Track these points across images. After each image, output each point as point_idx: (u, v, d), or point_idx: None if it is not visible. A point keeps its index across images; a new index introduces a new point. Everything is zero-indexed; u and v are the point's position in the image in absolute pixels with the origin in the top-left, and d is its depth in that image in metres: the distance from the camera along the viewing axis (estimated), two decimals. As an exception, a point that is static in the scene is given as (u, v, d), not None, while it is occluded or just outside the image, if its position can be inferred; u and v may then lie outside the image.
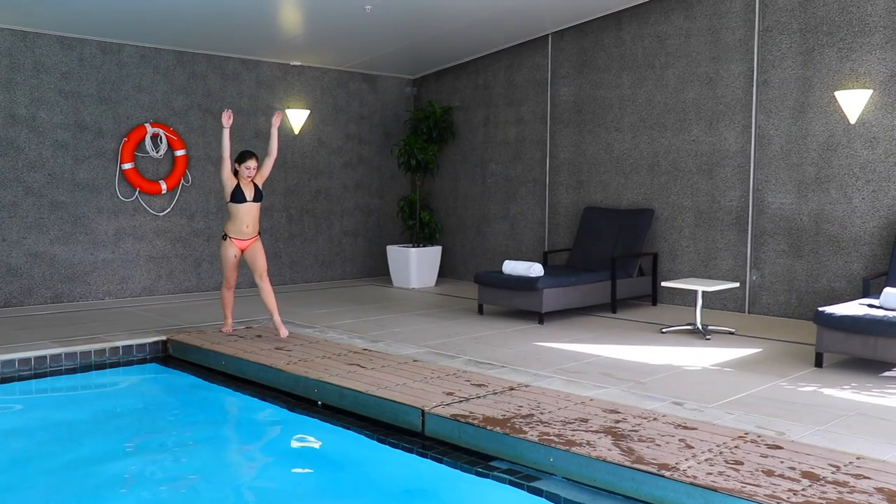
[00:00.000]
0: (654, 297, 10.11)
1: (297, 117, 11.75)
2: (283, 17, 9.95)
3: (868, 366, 6.83)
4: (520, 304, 9.00)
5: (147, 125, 10.36)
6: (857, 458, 4.31)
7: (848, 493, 3.83)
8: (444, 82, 12.76)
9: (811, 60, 8.86)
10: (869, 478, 4.02)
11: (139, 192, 10.39)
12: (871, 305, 7.02)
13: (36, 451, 5.42)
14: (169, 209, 10.69)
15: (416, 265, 11.77)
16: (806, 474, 4.06)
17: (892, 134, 8.34)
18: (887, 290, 6.98)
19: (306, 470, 5.40)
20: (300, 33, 10.56)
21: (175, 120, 10.69)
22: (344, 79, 12.39)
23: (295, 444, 5.74)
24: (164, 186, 10.51)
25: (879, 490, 3.86)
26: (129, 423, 6.16)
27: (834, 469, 4.14)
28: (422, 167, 11.98)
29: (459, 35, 10.99)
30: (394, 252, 12.00)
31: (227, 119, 7.74)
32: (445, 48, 11.70)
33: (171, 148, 10.59)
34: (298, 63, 11.79)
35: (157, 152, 10.48)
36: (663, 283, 8.65)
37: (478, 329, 8.52)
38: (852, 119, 8.50)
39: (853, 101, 8.40)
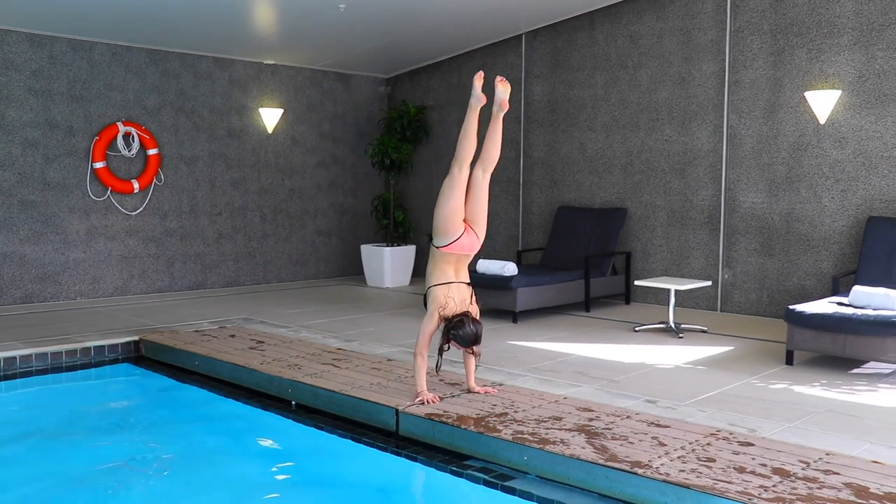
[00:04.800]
0: (627, 295, 10.17)
1: (271, 116, 11.69)
2: (257, 15, 9.90)
3: (837, 363, 6.92)
4: (494, 303, 9.01)
5: (119, 124, 10.27)
6: (827, 455, 4.37)
7: (818, 488, 3.88)
8: (418, 81, 12.75)
9: (781, 61, 8.95)
10: (838, 473, 4.07)
11: (111, 191, 10.29)
12: (840, 303, 7.11)
13: (6, 454, 5.36)
14: (141, 208, 10.60)
15: (390, 264, 11.75)
16: (777, 471, 4.11)
17: (861, 134, 8.45)
18: (856, 288, 7.08)
19: (280, 470, 5.38)
20: (273, 32, 10.51)
21: (147, 119, 10.60)
22: (317, 78, 12.35)
23: (269, 445, 5.72)
24: (136, 185, 10.43)
25: (848, 485, 3.91)
26: (101, 425, 6.11)
27: (804, 465, 4.19)
28: (396, 166, 11.97)
29: (433, 34, 10.99)
30: (368, 251, 11.98)
31: (478, 82, 5.50)
32: (419, 47, 11.69)
33: (143, 147, 10.51)
34: (272, 62, 11.74)
35: (129, 151, 10.39)
36: (636, 282, 8.70)
37: (452, 328, 8.51)
38: (822, 119, 8.60)
39: (822, 102, 8.50)
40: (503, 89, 5.47)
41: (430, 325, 5.35)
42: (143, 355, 7.52)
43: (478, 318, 5.38)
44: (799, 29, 8.82)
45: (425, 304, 5.48)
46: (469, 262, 5.53)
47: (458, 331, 5.26)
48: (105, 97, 10.22)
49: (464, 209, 5.40)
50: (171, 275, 10.95)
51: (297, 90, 12.13)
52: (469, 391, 5.60)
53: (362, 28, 10.44)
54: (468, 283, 5.48)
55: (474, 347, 5.37)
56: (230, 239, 11.51)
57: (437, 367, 5.50)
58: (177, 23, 9.70)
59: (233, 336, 7.64)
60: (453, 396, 5.49)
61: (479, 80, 5.47)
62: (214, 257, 11.36)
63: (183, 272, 11.05)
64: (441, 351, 5.37)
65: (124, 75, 10.38)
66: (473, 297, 5.47)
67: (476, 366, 5.68)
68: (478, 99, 5.41)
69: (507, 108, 5.50)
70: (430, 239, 5.50)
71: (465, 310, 5.34)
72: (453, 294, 5.35)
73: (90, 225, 10.19)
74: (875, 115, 8.35)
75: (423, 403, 5.25)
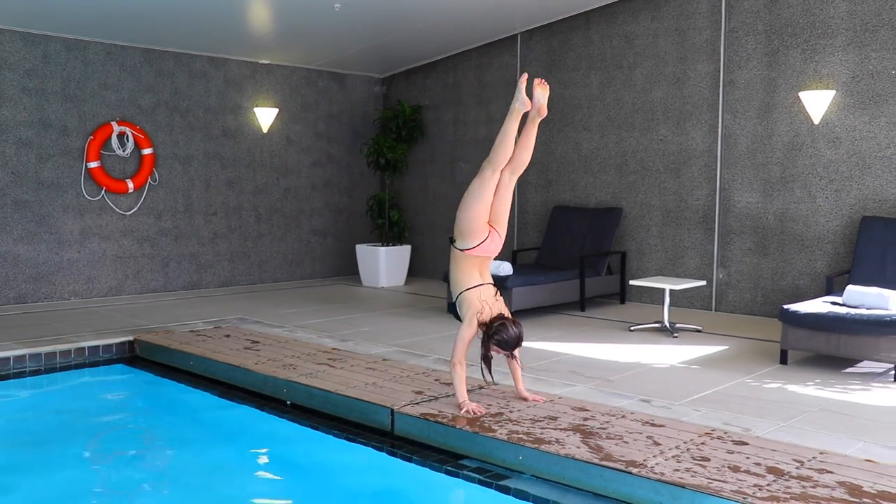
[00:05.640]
0: (622, 295, 10.18)
1: (266, 116, 11.69)
2: (252, 14, 9.89)
3: (831, 362, 6.94)
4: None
5: (113, 123, 10.25)
6: (821, 454, 4.38)
7: (811, 487, 3.89)
8: (414, 81, 12.75)
9: (776, 61, 8.97)
10: (832, 472, 4.08)
11: (105, 190, 10.27)
12: (834, 303, 7.14)
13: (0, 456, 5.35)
14: (136, 208, 10.58)
15: (385, 264, 11.75)
16: (771, 469, 4.12)
17: (854, 134, 8.47)
18: (850, 287, 7.11)
19: (275, 470, 5.38)
20: (268, 31, 10.50)
21: (142, 118, 10.58)
22: (313, 77, 12.35)
23: (264, 445, 5.71)
24: (130, 185, 10.41)
25: (841, 484, 3.93)
26: (95, 425, 6.10)
27: (798, 464, 4.20)
28: (391, 166, 11.97)
29: (429, 34, 10.99)
30: (363, 251, 11.98)
31: (523, 84, 5.19)
32: (415, 47, 11.69)
33: (137, 146, 10.49)
34: (267, 61, 11.73)
35: (123, 151, 10.37)
36: (631, 282, 8.71)
37: (447, 328, 8.53)
38: (816, 119, 8.62)
39: (817, 102, 8.52)
40: (542, 92, 5.18)
41: (469, 331, 5.11)
42: (138, 355, 7.51)
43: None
44: (793, 29, 8.83)
45: (452, 311, 5.29)
46: (490, 262, 5.37)
47: (501, 335, 5.04)
48: (99, 96, 10.21)
49: (489, 209, 5.20)
50: (166, 275, 10.93)
51: (292, 90, 12.13)
52: (520, 398, 5.40)
53: (357, 28, 10.43)
54: (493, 284, 5.32)
55: (515, 351, 5.16)
56: (225, 239, 11.50)
57: (488, 380, 5.33)
58: (171, 22, 9.69)
59: (228, 336, 7.64)
60: (448, 396, 5.49)
61: (524, 82, 5.14)
62: (209, 257, 11.35)
63: (178, 272, 11.04)
64: (487, 361, 5.14)
65: (119, 75, 10.36)
66: (499, 296, 5.29)
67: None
68: (522, 103, 5.12)
69: (545, 113, 5.19)
70: (452, 241, 5.27)
71: (500, 311, 5.17)
72: (486, 297, 5.18)
73: (84, 225, 10.17)
74: (869, 115, 8.37)
75: (468, 414, 5.01)
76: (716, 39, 9.41)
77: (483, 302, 5.15)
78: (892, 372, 6.47)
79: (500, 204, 5.25)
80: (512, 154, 5.24)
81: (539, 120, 5.26)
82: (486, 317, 5.12)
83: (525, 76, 5.18)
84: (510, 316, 5.20)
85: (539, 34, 11.07)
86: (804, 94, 8.59)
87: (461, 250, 5.20)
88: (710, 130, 9.50)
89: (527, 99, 5.14)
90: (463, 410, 5.08)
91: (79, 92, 10.04)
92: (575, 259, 9.85)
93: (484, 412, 5.08)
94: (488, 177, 5.17)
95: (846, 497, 3.78)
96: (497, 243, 5.25)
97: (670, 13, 9.76)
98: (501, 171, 5.24)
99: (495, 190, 5.23)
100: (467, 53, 11.95)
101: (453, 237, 5.26)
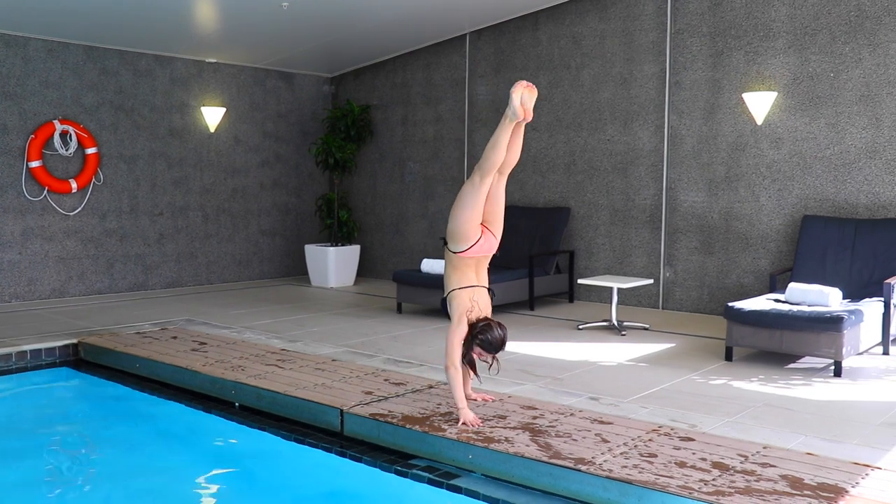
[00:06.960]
0: (570, 294, 10.27)
1: (213, 115, 11.55)
2: (198, 12, 9.76)
3: (775, 358, 7.07)
4: (438, 303, 9.02)
5: (55, 122, 10.04)
6: (764, 448, 4.47)
7: (755, 481, 3.96)
8: (363, 81, 12.71)
9: (720, 63, 9.13)
10: (774, 466, 4.17)
11: (48, 190, 10.06)
12: (777, 300, 7.29)
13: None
14: (80, 209, 10.38)
15: (334, 264, 11.70)
16: (716, 464, 4.19)
17: (796, 135, 8.65)
18: (792, 285, 7.27)
19: (224, 473, 5.32)
20: (215, 29, 10.38)
21: (85, 117, 10.38)
22: (260, 76, 12.24)
23: (212, 447, 5.65)
24: (74, 185, 10.21)
25: (784, 477, 4.01)
26: (38, 430, 5.97)
27: (742, 459, 4.27)
28: (340, 166, 11.92)
29: (377, 33, 10.97)
30: (312, 251, 11.90)
31: (517, 94, 4.94)
32: (364, 46, 11.65)
33: (81, 146, 10.29)
34: (214, 60, 11.60)
35: (66, 150, 10.17)
36: (580, 281, 8.79)
37: (396, 328, 8.52)
38: (759, 120, 8.79)
39: (759, 103, 8.69)
40: (529, 97, 4.95)
41: (461, 331, 4.94)
42: (83, 358, 7.37)
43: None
44: (737, 31, 8.99)
45: (444, 309, 5.16)
46: (488, 262, 5.20)
47: (485, 335, 4.90)
48: (41, 94, 9.99)
49: (482, 212, 5.08)
50: (111, 276, 10.74)
51: (240, 89, 12.00)
52: (468, 398, 5.29)
53: (306, 26, 10.37)
54: (488, 289, 5.16)
55: (497, 355, 5.01)
56: (172, 239, 11.34)
57: (475, 382, 5.27)
58: (115, 19, 9.52)
59: (175, 338, 7.53)
60: (398, 396, 5.49)
61: (518, 91, 4.90)
62: (156, 258, 11.18)
63: (123, 273, 10.86)
64: (463, 359, 4.97)
65: (61, 72, 10.15)
66: (489, 300, 5.15)
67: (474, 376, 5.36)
68: (516, 113, 4.91)
69: (531, 117, 4.98)
70: (445, 243, 5.16)
71: (488, 314, 5.05)
72: (477, 298, 5.04)
73: (26, 225, 9.95)
74: (809, 116, 8.56)
75: (467, 427, 4.80)
76: (662, 41, 9.54)
77: (473, 302, 5.04)
78: (832, 367, 6.63)
79: (494, 205, 5.13)
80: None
81: (524, 123, 5.07)
82: (474, 317, 5.03)
83: (520, 84, 4.94)
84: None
85: (487, 34, 11.11)
86: (747, 96, 8.75)
87: (455, 253, 5.08)
88: (657, 130, 9.62)
89: (520, 109, 4.92)
90: (461, 423, 4.86)
91: (19, 89, 9.82)
92: (524, 258, 9.91)
93: (482, 424, 4.88)
94: (478, 183, 5.06)
95: (788, 490, 3.86)
96: (492, 242, 5.12)
97: (617, 14, 9.87)
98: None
99: (489, 191, 5.13)
100: (416, 53, 11.94)
101: (445, 239, 5.16)
